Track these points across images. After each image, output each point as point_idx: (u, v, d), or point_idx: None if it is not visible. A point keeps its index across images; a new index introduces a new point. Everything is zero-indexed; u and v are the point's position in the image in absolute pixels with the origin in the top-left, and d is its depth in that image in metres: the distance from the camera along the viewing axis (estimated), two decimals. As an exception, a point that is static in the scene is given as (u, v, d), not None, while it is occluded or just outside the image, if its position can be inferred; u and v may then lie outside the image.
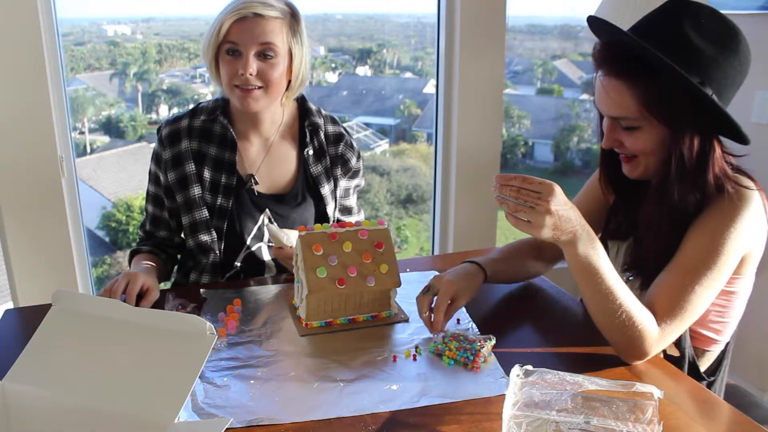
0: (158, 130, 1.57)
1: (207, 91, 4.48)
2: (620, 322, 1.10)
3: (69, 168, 2.02)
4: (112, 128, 4.54)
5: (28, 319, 1.35)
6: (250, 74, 1.41)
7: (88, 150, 4.45)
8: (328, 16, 4.21)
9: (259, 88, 1.44)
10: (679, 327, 1.14)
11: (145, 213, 1.64)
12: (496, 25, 2.29)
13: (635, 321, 1.10)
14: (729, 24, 1.14)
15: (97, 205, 4.29)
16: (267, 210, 1.55)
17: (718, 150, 1.17)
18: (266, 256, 1.59)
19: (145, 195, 1.64)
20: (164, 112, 4.57)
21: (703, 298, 1.14)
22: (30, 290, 2.03)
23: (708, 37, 1.12)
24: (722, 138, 1.20)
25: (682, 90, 1.11)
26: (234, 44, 1.41)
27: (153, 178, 1.58)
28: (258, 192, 1.55)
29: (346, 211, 1.71)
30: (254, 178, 1.53)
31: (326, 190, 1.61)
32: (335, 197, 1.64)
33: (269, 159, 1.57)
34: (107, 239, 4.33)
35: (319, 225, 1.31)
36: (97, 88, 4.48)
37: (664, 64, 1.09)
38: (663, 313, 1.13)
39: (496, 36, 2.30)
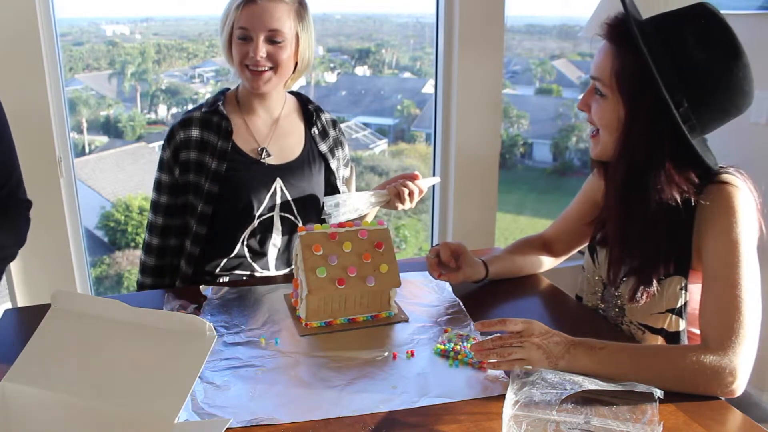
0: (169, 130, 1.60)
1: (205, 91, 4.47)
2: (681, 380, 1.06)
3: (67, 168, 2.01)
4: (111, 128, 4.53)
5: (28, 319, 1.35)
6: (261, 57, 1.49)
7: (87, 150, 4.44)
8: (326, 16, 4.21)
9: (270, 69, 1.51)
10: (748, 340, 1.06)
11: (148, 243, 1.63)
12: (495, 25, 2.29)
13: (696, 370, 1.05)
14: (734, 44, 1.11)
15: (96, 205, 4.29)
16: (279, 179, 1.59)
17: (669, 160, 1.14)
18: (277, 226, 1.61)
19: (152, 218, 1.62)
20: (163, 111, 4.57)
21: (752, 300, 1.09)
22: (29, 290, 2.03)
23: (709, 51, 1.10)
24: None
25: (654, 93, 1.11)
26: (244, 30, 1.49)
27: (161, 173, 1.60)
28: (269, 164, 1.60)
29: None
30: (266, 151, 1.60)
31: (334, 164, 1.69)
32: (340, 176, 1.73)
33: (278, 132, 1.63)
34: (106, 239, 4.32)
35: (318, 225, 1.31)
36: (96, 88, 4.47)
37: (645, 61, 1.09)
38: (725, 336, 1.06)
39: (494, 36, 2.30)
